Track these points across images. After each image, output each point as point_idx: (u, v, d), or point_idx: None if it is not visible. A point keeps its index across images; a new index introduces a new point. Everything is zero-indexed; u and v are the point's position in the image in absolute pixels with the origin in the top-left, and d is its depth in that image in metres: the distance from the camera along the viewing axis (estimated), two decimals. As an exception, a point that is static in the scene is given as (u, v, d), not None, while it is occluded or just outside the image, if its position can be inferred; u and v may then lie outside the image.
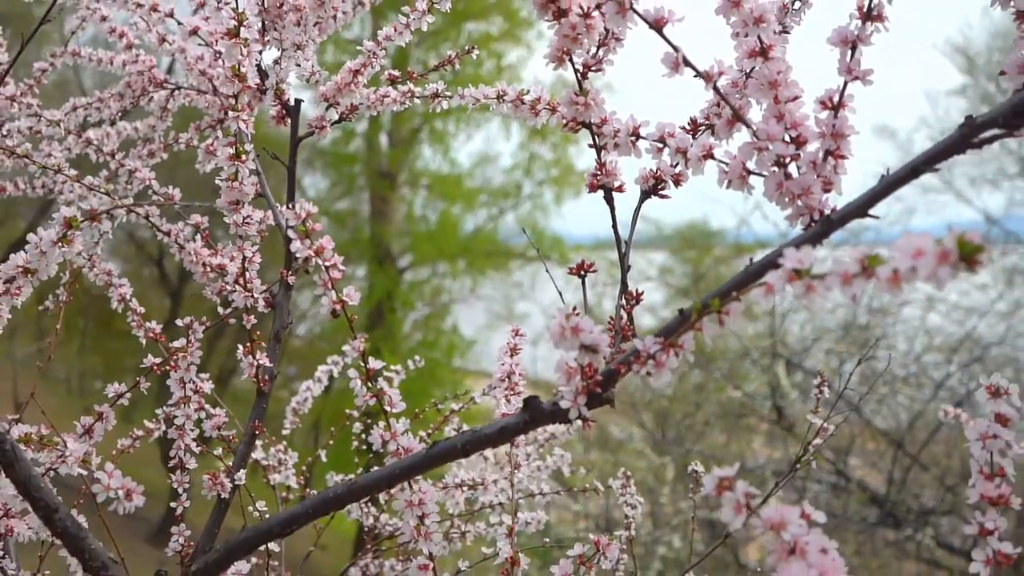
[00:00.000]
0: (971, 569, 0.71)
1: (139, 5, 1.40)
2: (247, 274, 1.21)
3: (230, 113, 1.09)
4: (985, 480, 0.75)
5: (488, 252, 11.04)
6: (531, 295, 11.65)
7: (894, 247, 0.52)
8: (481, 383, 2.00)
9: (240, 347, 1.24)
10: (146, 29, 1.55)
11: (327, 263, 0.83)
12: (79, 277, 1.52)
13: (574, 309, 0.73)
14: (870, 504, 6.17)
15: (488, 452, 1.96)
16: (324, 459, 2.07)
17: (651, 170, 0.95)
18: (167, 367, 1.18)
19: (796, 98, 0.80)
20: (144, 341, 1.31)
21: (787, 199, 0.80)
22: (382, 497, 1.84)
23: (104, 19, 1.63)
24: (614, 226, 0.96)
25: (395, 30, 1.37)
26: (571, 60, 0.88)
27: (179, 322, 1.19)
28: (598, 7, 0.82)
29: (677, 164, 0.93)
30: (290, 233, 0.83)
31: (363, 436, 1.98)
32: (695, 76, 0.84)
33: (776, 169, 0.80)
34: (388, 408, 0.88)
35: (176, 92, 1.74)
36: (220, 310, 1.27)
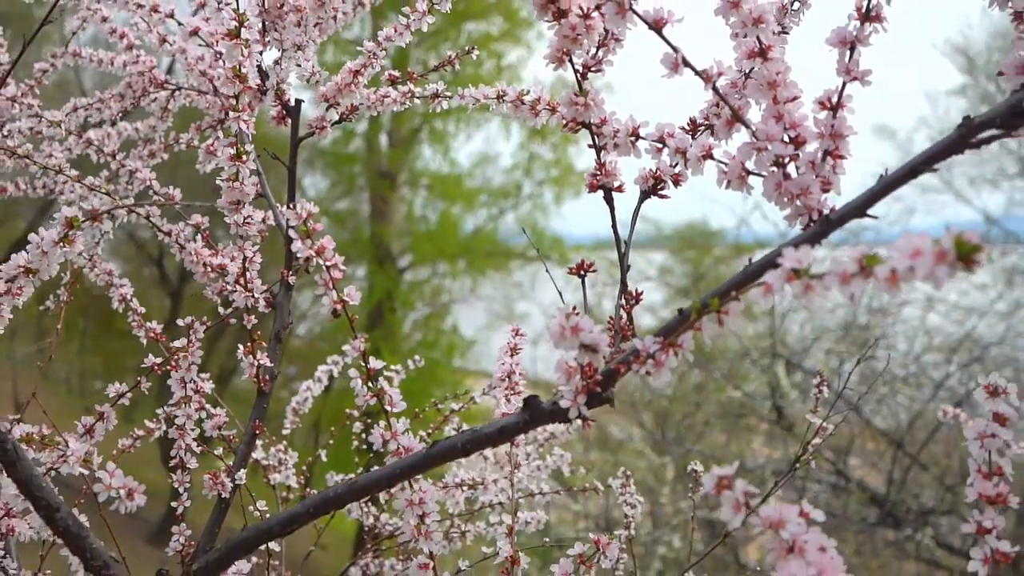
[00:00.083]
0: (969, 567, 0.72)
1: (140, 6, 1.41)
2: (248, 274, 1.21)
3: (231, 113, 1.10)
4: (983, 479, 0.75)
5: (488, 252, 11.04)
6: (531, 295, 11.66)
7: (892, 247, 0.52)
8: (481, 383, 2.00)
9: (240, 347, 1.24)
10: (147, 30, 1.56)
11: (328, 263, 0.83)
12: (80, 277, 1.52)
13: (574, 309, 0.74)
14: (870, 504, 6.17)
15: (488, 452, 1.97)
16: (324, 459, 2.07)
17: (650, 170, 0.95)
18: (168, 367, 1.18)
19: (795, 98, 0.80)
20: (145, 341, 1.31)
21: (786, 199, 0.80)
22: (382, 497, 1.85)
23: (105, 20, 1.63)
24: (614, 226, 0.96)
25: (395, 31, 1.37)
26: (571, 61, 0.88)
27: (180, 322, 1.20)
28: (598, 8, 0.82)
29: (676, 164, 0.93)
30: (291, 233, 0.84)
31: (363, 436, 1.98)
32: (695, 76, 0.84)
33: (775, 169, 0.81)
34: (389, 407, 0.89)
35: (177, 93, 1.74)
36: (221, 310, 1.27)
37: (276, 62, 1.31)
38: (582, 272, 0.99)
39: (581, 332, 0.72)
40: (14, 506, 1.03)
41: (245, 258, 1.20)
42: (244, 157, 1.10)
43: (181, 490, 1.18)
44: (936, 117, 9.08)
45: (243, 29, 1.12)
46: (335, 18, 1.37)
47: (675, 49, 0.81)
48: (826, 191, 0.79)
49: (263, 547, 1.49)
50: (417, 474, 0.85)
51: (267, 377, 1.24)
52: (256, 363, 1.22)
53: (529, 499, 1.85)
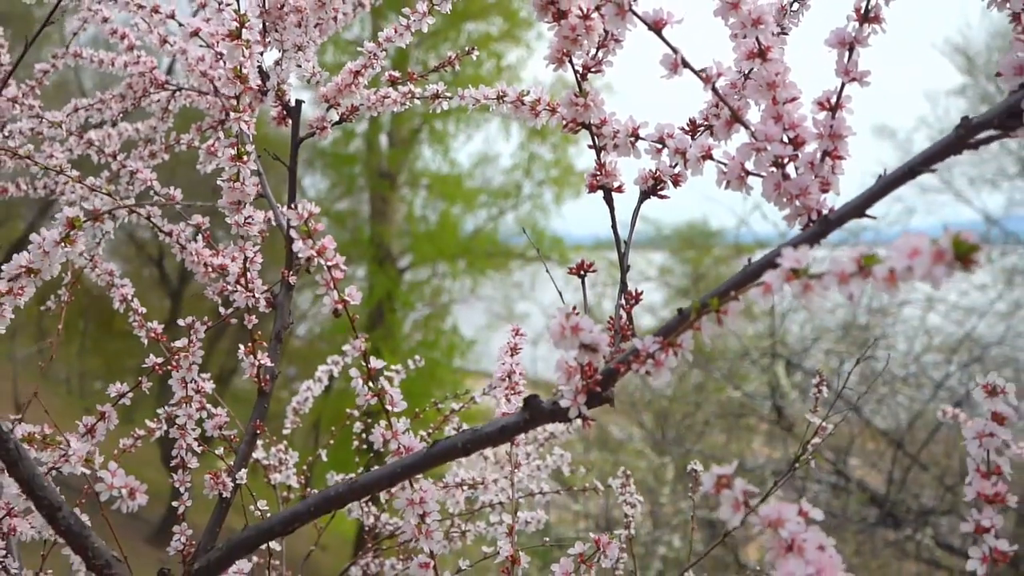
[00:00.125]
0: (968, 566, 0.72)
1: (140, 7, 1.41)
2: (248, 274, 1.21)
3: (232, 114, 1.10)
4: (982, 478, 0.75)
5: (488, 252, 11.05)
6: (531, 295, 11.66)
7: (890, 247, 0.53)
8: (481, 383, 2.00)
9: (241, 347, 1.24)
10: (147, 30, 1.56)
11: (329, 263, 0.84)
12: (80, 278, 1.52)
13: (574, 309, 0.74)
14: (870, 504, 6.17)
15: (488, 451, 1.97)
16: (324, 459, 2.07)
17: (650, 171, 0.95)
18: (169, 367, 1.18)
19: (794, 99, 0.81)
20: (146, 341, 1.31)
21: (785, 199, 0.80)
22: (383, 496, 1.85)
23: (106, 20, 1.63)
24: (613, 226, 0.97)
25: (396, 31, 1.38)
26: (571, 61, 0.89)
27: (181, 322, 1.20)
28: (597, 9, 0.83)
29: (676, 165, 0.93)
30: (293, 233, 0.84)
31: (363, 436, 1.99)
32: (695, 76, 0.84)
33: (774, 170, 0.81)
34: (389, 407, 0.89)
35: (177, 93, 1.74)
36: (221, 310, 1.27)
37: (277, 63, 1.32)
38: (582, 272, 0.99)
39: (581, 332, 0.72)
40: (16, 506, 1.04)
41: (246, 258, 1.20)
42: (245, 158, 1.10)
43: (182, 490, 1.18)
44: (936, 117, 9.09)
45: (244, 30, 1.12)
46: (335, 19, 1.37)
47: (674, 50, 0.82)
48: (825, 191, 0.79)
49: (264, 547, 1.50)
50: (418, 473, 0.86)
51: (268, 377, 1.24)
52: (257, 363, 1.22)
53: (529, 499, 1.85)
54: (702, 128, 0.91)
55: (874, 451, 6.95)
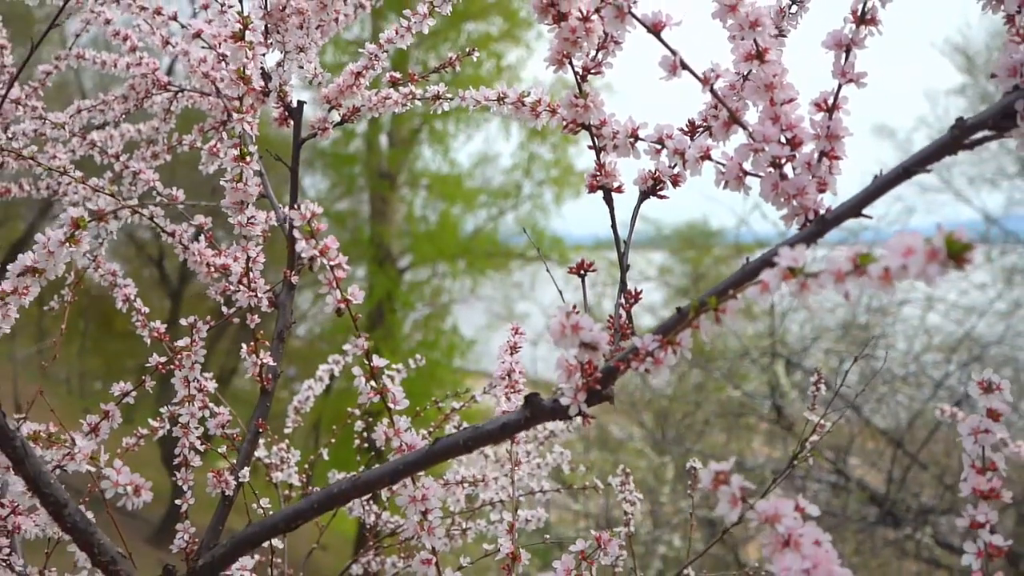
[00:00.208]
0: (963, 561, 0.73)
1: (143, 8, 1.42)
2: (251, 274, 1.22)
3: (235, 115, 1.11)
4: (977, 474, 0.76)
5: (488, 252, 11.05)
6: (531, 295, 11.67)
7: (885, 246, 0.53)
8: (481, 383, 2.01)
9: (244, 346, 1.25)
10: (149, 32, 1.57)
11: (332, 262, 0.85)
12: (82, 278, 1.53)
13: (574, 307, 0.75)
14: (870, 503, 6.18)
15: (488, 450, 1.98)
16: (326, 457, 2.08)
17: (650, 171, 0.96)
18: (171, 366, 1.19)
19: (791, 100, 0.82)
20: (148, 341, 1.32)
21: (783, 199, 0.81)
22: (384, 494, 1.86)
23: (108, 22, 1.64)
24: (613, 226, 0.98)
25: (396, 33, 1.39)
26: (571, 63, 0.90)
27: (183, 321, 1.21)
28: (597, 11, 0.83)
29: (675, 165, 0.94)
30: (296, 233, 0.85)
31: (364, 435, 1.99)
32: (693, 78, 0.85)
33: (772, 170, 0.82)
34: (392, 405, 0.90)
35: (179, 94, 1.75)
36: (224, 310, 1.28)
37: (278, 64, 1.33)
38: (582, 272, 1.00)
39: (581, 330, 0.73)
40: (20, 504, 1.05)
41: (248, 258, 1.21)
42: (248, 158, 1.11)
43: (185, 488, 1.19)
44: (936, 116, 9.10)
45: (247, 31, 1.13)
46: (336, 20, 1.38)
47: (673, 52, 0.82)
48: (822, 191, 0.80)
49: (266, 545, 1.50)
50: (420, 471, 0.87)
51: (270, 376, 1.25)
52: (259, 362, 1.23)
53: (529, 497, 1.86)
54: (701, 129, 0.92)
55: (874, 450, 6.96)
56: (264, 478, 1.79)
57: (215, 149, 1.24)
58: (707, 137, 0.91)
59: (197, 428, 1.20)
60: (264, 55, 1.28)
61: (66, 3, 1.32)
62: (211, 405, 1.22)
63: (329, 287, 0.86)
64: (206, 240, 1.32)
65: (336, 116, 1.42)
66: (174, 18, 1.44)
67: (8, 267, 0.96)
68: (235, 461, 1.21)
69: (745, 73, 0.84)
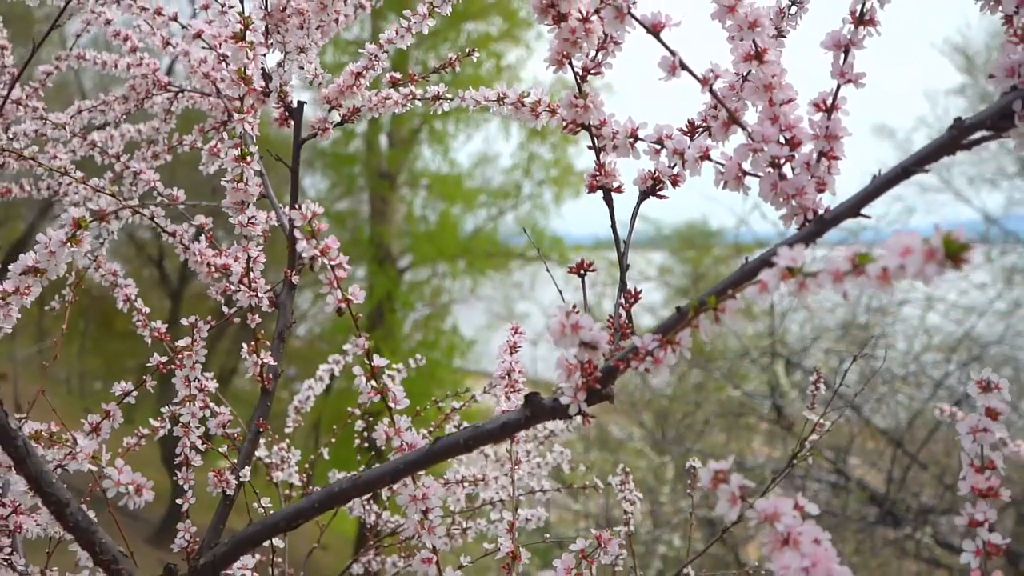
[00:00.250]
0: (962, 559, 0.73)
1: (144, 9, 1.42)
2: (252, 274, 1.23)
3: (236, 115, 1.11)
4: (975, 473, 0.76)
5: (488, 252, 11.05)
6: (531, 295, 11.68)
7: (883, 246, 0.54)
8: (481, 383, 2.02)
9: (244, 346, 1.26)
10: (149, 32, 1.57)
11: (333, 262, 0.85)
12: (82, 278, 1.54)
13: (574, 307, 0.75)
14: (869, 503, 6.18)
15: (489, 450, 1.98)
16: (326, 456, 2.09)
17: (649, 171, 0.96)
18: (172, 366, 1.19)
19: (790, 100, 0.82)
20: (149, 341, 1.33)
21: (782, 199, 0.81)
22: (384, 494, 1.86)
23: (108, 22, 1.64)
24: (613, 226, 0.98)
25: (396, 33, 1.39)
26: (571, 63, 0.90)
27: (184, 321, 1.21)
28: (597, 12, 0.84)
29: (675, 165, 0.94)
30: (297, 233, 0.85)
31: (365, 434, 2.00)
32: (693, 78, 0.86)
33: (771, 170, 0.82)
34: (392, 405, 0.90)
35: (180, 95, 1.75)
36: (225, 309, 1.29)
37: (279, 64, 1.33)
38: (582, 271, 1.00)
39: (581, 330, 0.73)
40: (22, 503, 1.05)
41: (249, 258, 1.21)
42: (249, 158, 1.11)
43: (186, 487, 1.19)
44: (935, 116, 9.10)
45: (248, 32, 1.13)
46: (337, 20, 1.38)
47: (672, 53, 0.83)
48: (821, 191, 0.81)
49: (267, 544, 1.51)
50: (420, 470, 0.87)
51: (271, 376, 1.25)
52: (260, 362, 1.24)
53: (530, 496, 1.86)
54: (700, 129, 0.92)
55: (874, 450, 6.96)
56: (264, 478, 1.79)
57: (216, 149, 1.24)
58: (706, 137, 0.91)
59: (198, 428, 1.20)
60: (264, 55, 1.28)
61: (67, 4, 1.32)
62: (212, 405, 1.23)
63: (330, 287, 0.86)
64: (207, 240, 1.32)
65: (336, 116, 1.42)
66: (174, 19, 1.44)
67: (9, 267, 0.96)
68: (236, 461, 1.21)
69: (744, 74, 0.84)
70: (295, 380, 8.84)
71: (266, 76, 1.33)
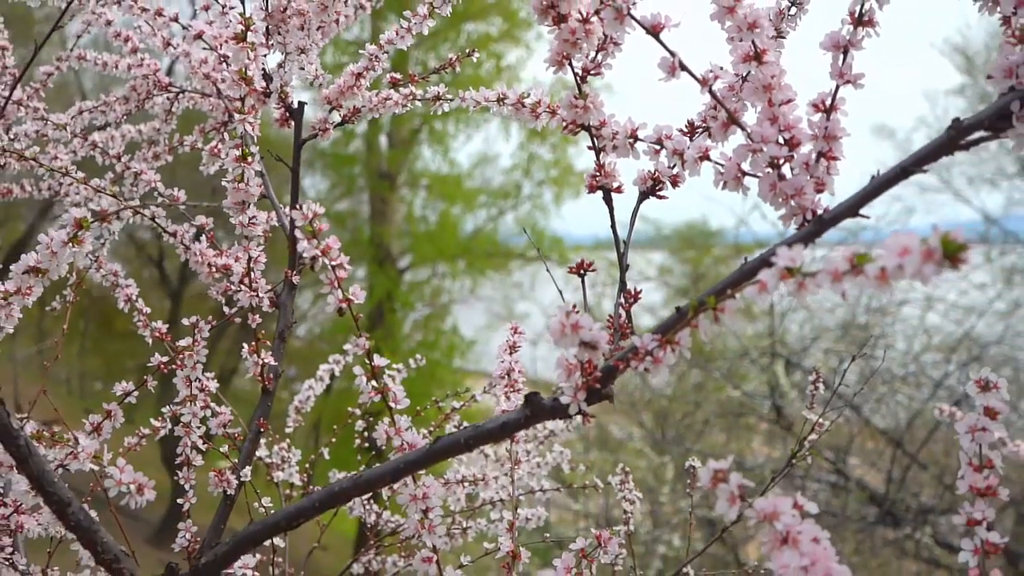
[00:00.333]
0: (960, 558, 0.73)
1: (144, 10, 1.42)
2: (252, 274, 1.23)
3: (237, 116, 1.11)
4: (974, 472, 0.77)
5: (488, 252, 11.06)
6: (531, 295, 11.68)
7: (882, 246, 0.54)
8: (481, 383, 2.02)
9: (245, 346, 1.26)
10: (150, 33, 1.57)
11: (333, 262, 0.85)
12: (83, 278, 1.54)
13: (574, 307, 0.75)
14: (869, 503, 6.19)
15: (489, 450, 1.98)
16: (327, 456, 2.09)
17: (649, 171, 0.97)
18: (174, 366, 1.20)
19: (789, 101, 0.82)
20: (150, 340, 1.33)
21: (781, 199, 0.82)
22: (384, 493, 1.86)
23: (109, 23, 1.65)
24: (613, 226, 0.98)
25: (397, 34, 1.39)
26: (571, 64, 0.90)
27: (185, 321, 1.22)
28: (596, 13, 0.84)
29: (674, 165, 0.95)
30: (297, 233, 0.85)
31: (365, 434, 2.00)
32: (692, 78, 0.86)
33: (770, 170, 0.82)
34: (392, 404, 0.90)
35: (180, 95, 1.76)
36: (225, 309, 1.29)
37: (279, 65, 1.33)
38: (582, 272, 1.00)
39: (581, 329, 0.73)
40: (24, 503, 1.05)
41: (250, 258, 1.21)
42: (249, 159, 1.12)
43: (187, 487, 1.20)
44: (935, 117, 9.10)
45: (249, 33, 1.13)
46: (337, 21, 1.38)
47: (672, 54, 0.83)
48: (820, 191, 0.81)
49: (268, 543, 1.51)
50: (420, 469, 0.87)
51: (271, 376, 1.25)
52: (261, 362, 1.24)
53: (530, 496, 1.87)
54: (700, 130, 0.92)
55: (873, 450, 6.97)
56: (265, 478, 1.79)
57: (217, 150, 1.25)
58: (706, 138, 0.91)
59: (199, 427, 1.20)
60: (265, 56, 1.29)
61: (69, 5, 1.33)
62: (213, 405, 1.23)
63: (331, 287, 0.87)
64: (208, 240, 1.33)
65: (337, 117, 1.42)
66: (175, 19, 1.44)
67: (11, 267, 0.96)
68: (237, 460, 1.22)
69: (744, 74, 0.85)
70: (295, 380, 8.85)
71: (267, 77, 1.33)
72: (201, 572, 1.00)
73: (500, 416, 0.84)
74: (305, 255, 0.85)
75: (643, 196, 0.98)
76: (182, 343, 1.20)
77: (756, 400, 7.07)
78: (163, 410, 1.29)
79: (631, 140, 0.95)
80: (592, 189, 0.98)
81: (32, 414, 1.20)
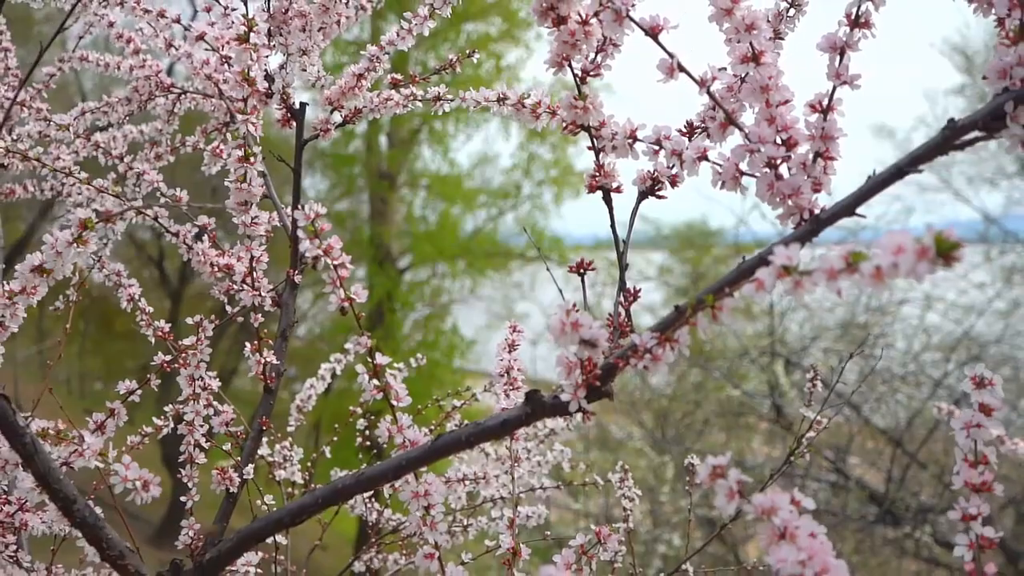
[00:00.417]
0: (955, 553, 0.74)
1: (146, 11, 1.43)
2: (255, 273, 1.24)
3: (239, 116, 1.12)
4: (969, 468, 0.78)
5: (488, 252, 11.06)
6: (531, 295, 11.69)
7: (876, 244, 0.55)
8: (481, 383, 2.03)
9: (248, 345, 1.27)
10: (152, 34, 1.58)
11: (335, 262, 0.86)
12: (85, 278, 1.55)
13: (574, 305, 0.76)
14: (869, 502, 6.20)
15: (489, 448, 1.99)
16: (328, 455, 2.10)
17: (648, 171, 0.97)
18: (177, 364, 1.21)
19: (787, 102, 0.83)
20: (153, 340, 1.34)
21: (778, 199, 0.82)
22: (385, 492, 1.87)
23: (111, 24, 1.65)
24: (612, 226, 0.99)
25: (397, 35, 1.40)
26: (570, 65, 0.91)
27: (189, 320, 1.23)
28: (596, 15, 0.85)
29: (673, 166, 0.95)
30: (300, 233, 0.86)
31: (366, 432, 2.01)
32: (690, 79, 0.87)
33: (767, 170, 0.83)
34: (394, 402, 0.91)
35: (182, 96, 1.77)
36: (228, 309, 1.30)
37: (281, 66, 1.34)
38: (581, 271, 1.01)
39: (581, 327, 0.74)
40: (29, 500, 1.06)
41: (252, 257, 1.22)
42: (252, 159, 1.12)
43: (190, 485, 1.21)
44: (935, 116, 9.10)
45: (251, 34, 1.14)
46: (338, 23, 1.39)
47: (671, 55, 0.84)
48: (817, 191, 0.82)
49: (271, 541, 1.52)
50: (422, 466, 0.88)
51: (273, 375, 1.26)
52: (263, 361, 1.25)
53: (530, 494, 1.88)
54: (698, 130, 0.93)
55: (873, 449, 6.98)
56: (266, 476, 1.80)
57: (219, 150, 1.26)
58: (704, 138, 0.92)
59: (202, 426, 1.21)
60: (267, 57, 1.29)
61: (73, 7, 1.33)
62: (215, 403, 1.24)
63: (333, 286, 0.87)
64: (210, 240, 1.34)
65: (338, 117, 1.43)
66: (177, 21, 1.45)
67: (16, 267, 0.97)
68: (239, 458, 1.23)
69: (742, 75, 0.85)
70: (295, 380, 8.86)
71: (269, 78, 1.34)
72: (205, 569, 1.01)
73: (501, 413, 0.85)
74: (307, 255, 0.86)
75: (642, 196, 0.99)
76: (185, 342, 1.21)
77: (756, 400, 7.08)
78: (165, 409, 1.30)
79: (630, 140, 0.96)
80: (592, 189, 0.99)
81: (34, 413, 1.21)
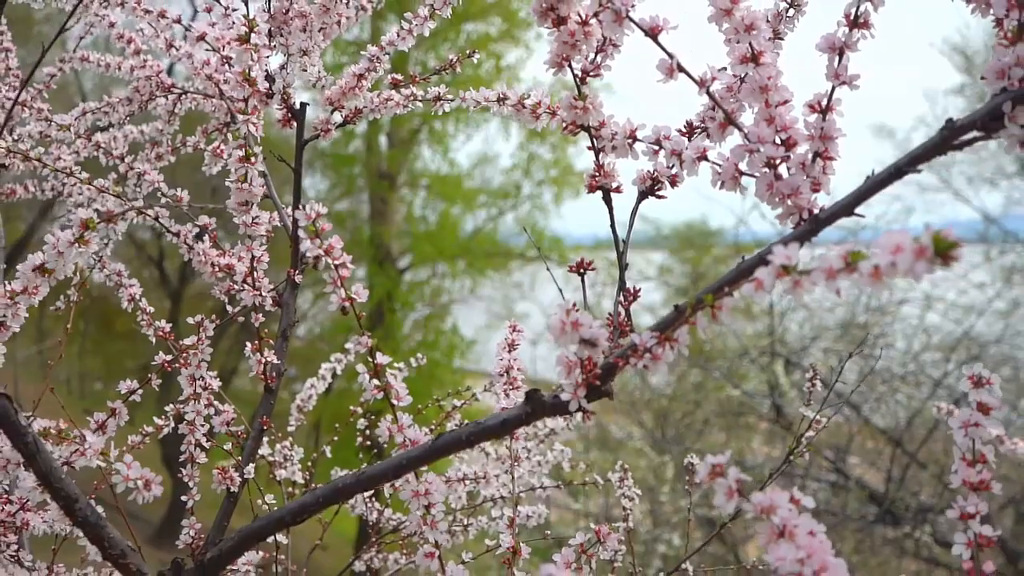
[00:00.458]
0: (953, 551, 0.75)
1: (147, 11, 1.43)
2: (256, 273, 1.24)
3: (240, 117, 1.13)
4: (967, 466, 0.78)
5: (488, 252, 11.06)
6: (531, 295, 11.69)
7: (874, 244, 0.55)
8: (481, 383, 2.03)
9: (248, 344, 1.27)
10: (153, 35, 1.58)
11: (336, 261, 0.86)
12: (86, 278, 1.55)
13: (574, 305, 0.77)
14: (869, 502, 6.20)
15: (489, 448, 2.00)
16: (328, 455, 2.10)
17: (648, 171, 0.98)
18: (178, 364, 1.21)
19: (786, 102, 0.83)
20: (154, 340, 1.34)
21: (778, 199, 0.83)
22: (386, 491, 1.88)
23: (112, 25, 1.66)
24: (612, 226, 0.99)
25: (398, 36, 1.40)
26: (570, 66, 0.91)
27: (190, 320, 1.23)
28: (596, 15, 0.85)
29: (673, 166, 0.96)
30: (301, 233, 0.87)
31: (367, 432, 2.01)
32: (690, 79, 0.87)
33: (767, 170, 0.84)
34: (395, 402, 0.92)
35: (183, 96, 1.77)
36: (228, 309, 1.30)
37: (282, 67, 1.34)
38: (581, 270, 1.02)
39: (581, 327, 0.75)
40: (31, 500, 1.06)
41: (253, 257, 1.23)
42: (253, 159, 1.13)
43: (191, 484, 1.21)
44: (935, 116, 9.10)
45: (252, 34, 1.15)
46: (339, 23, 1.40)
47: (670, 55, 0.84)
48: (816, 191, 0.82)
49: (271, 540, 1.52)
50: (423, 465, 0.88)
51: (274, 374, 1.27)
52: (263, 360, 1.25)
53: (530, 494, 1.88)
54: (698, 130, 0.94)
55: (873, 449, 6.98)
56: (267, 476, 1.80)
57: (220, 151, 1.26)
58: (704, 138, 0.92)
59: (203, 426, 1.22)
60: (268, 57, 1.30)
61: (75, 8, 1.34)
62: (216, 403, 1.24)
63: (334, 286, 0.88)
64: (210, 240, 1.34)
65: (338, 117, 1.43)
66: (178, 21, 1.46)
67: (17, 267, 0.98)
68: (240, 458, 1.23)
69: (741, 76, 0.86)
70: (295, 380, 8.86)
71: (269, 78, 1.34)
72: (206, 568, 1.01)
73: (501, 413, 0.85)
74: (308, 255, 0.86)
75: (642, 196, 0.99)
76: (186, 341, 1.21)
77: (756, 399, 7.09)
78: (166, 408, 1.30)
79: (630, 140, 0.96)
80: (592, 189, 0.99)
81: (35, 414, 1.21)
